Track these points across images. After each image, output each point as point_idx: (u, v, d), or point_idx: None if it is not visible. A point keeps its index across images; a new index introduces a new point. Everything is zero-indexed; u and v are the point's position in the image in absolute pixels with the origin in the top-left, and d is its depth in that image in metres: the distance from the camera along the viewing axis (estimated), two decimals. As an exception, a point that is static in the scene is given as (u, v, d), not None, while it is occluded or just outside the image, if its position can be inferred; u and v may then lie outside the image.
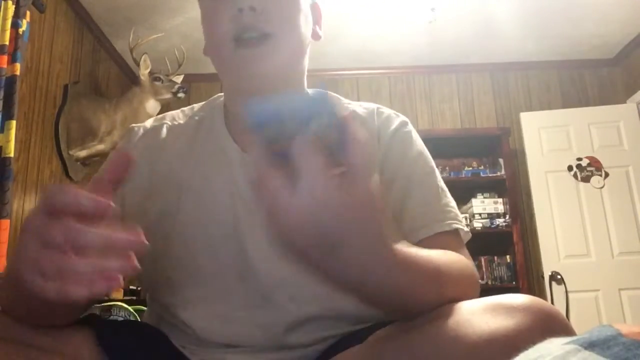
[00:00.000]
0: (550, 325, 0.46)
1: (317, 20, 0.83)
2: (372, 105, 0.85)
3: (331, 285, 0.49)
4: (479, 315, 0.49)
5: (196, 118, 0.85)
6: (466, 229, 0.76)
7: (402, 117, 0.84)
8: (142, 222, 0.73)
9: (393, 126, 0.81)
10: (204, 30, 0.78)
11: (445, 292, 0.56)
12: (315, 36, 0.83)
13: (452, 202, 0.78)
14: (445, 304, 0.54)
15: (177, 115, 0.86)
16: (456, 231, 0.74)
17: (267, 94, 0.74)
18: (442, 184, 0.79)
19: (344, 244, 0.44)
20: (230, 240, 0.72)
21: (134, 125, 0.86)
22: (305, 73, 0.83)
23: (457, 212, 0.77)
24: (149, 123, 0.86)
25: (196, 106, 0.88)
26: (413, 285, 0.52)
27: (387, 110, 0.85)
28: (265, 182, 0.44)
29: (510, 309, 0.48)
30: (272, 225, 0.45)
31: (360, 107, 0.85)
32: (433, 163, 0.81)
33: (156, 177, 0.78)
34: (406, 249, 0.51)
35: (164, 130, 0.83)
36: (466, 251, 0.73)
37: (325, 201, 0.43)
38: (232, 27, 0.72)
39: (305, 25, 0.78)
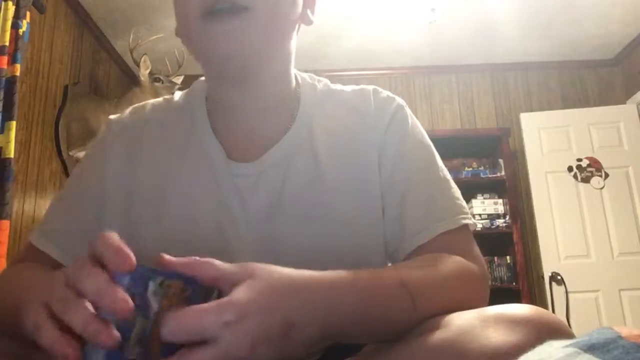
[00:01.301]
0: (555, 339, 0.43)
1: (309, 3, 0.73)
2: (368, 87, 0.79)
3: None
4: (480, 329, 0.46)
5: (177, 108, 0.78)
6: (470, 220, 0.71)
7: (399, 101, 0.78)
8: (124, 224, 0.70)
9: (389, 112, 0.75)
10: (174, 5, 0.68)
11: (426, 304, 0.53)
12: (306, 20, 0.73)
13: (456, 192, 0.73)
14: (433, 315, 0.52)
15: (159, 105, 0.80)
16: (462, 227, 0.69)
17: (247, 79, 0.70)
18: (443, 173, 0.74)
19: (291, 327, 0.43)
20: (216, 255, 0.68)
21: (112, 117, 0.79)
22: (292, 59, 0.75)
23: (462, 203, 0.72)
24: (127, 114, 0.79)
25: (178, 95, 0.81)
26: (368, 300, 0.50)
27: (383, 93, 0.78)
28: None
29: (512, 323, 0.46)
30: None
31: (354, 92, 0.79)
32: (433, 148, 0.76)
33: (136, 178, 0.73)
34: (338, 271, 0.50)
35: (143, 123, 0.77)
36: (473, 247, 0.69)
37: (237, 332, 0.41)
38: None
39: (294, 3, 0.68)
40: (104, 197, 0.72)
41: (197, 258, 0.44)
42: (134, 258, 0.40)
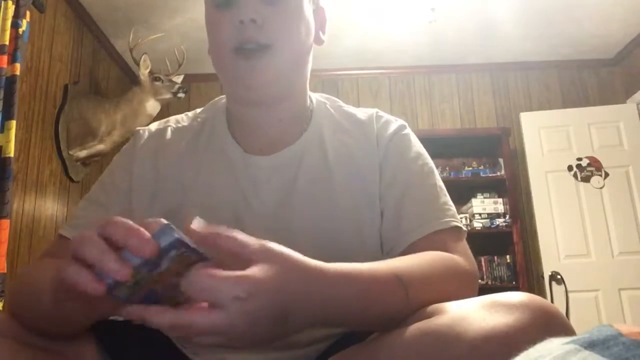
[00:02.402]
0: (549, 323, 0.46)
1: (321, 25, 0.84)
2: (371, 110, 0.87)
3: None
4: (477, 312, 0.48)
5: (199, 120, 0.87)
6: (461, 225, 0.77)
7: (400, 121, 0.86)
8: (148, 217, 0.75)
9: (391, 130, 0.83)
10: (208, 34, 0.79)
11: (417, 294, 0.56)
12: (318, 41, 0.84)
13: (449, 202, 0.79)
14: (423, 306, 0.54)
15: (181, 118, 0.89)
16: (454, 229, 0.74)
17: (268, 104, 0.78)
18: (440, 183, 0.80)
19: (289, 313, 0.47)
20: None
21: (139, 128, 0.88)
22: (308, 79, 0.84)
23: (454, 210, 0.78)
24: (154, 126, 0.88)
25: (199, 109, 0.90)
26: (366, 295, 0.53)
27: (385, 115, 0.86)
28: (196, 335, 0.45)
29: (508, 306, 0.47)
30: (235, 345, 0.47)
31: (360, 111, 0.87)
32: (432, 164, 0.83)
33: (161, 178, 0.80)
34: (342, 266, 0.53)
35: (168, 132, 0.86)
36: (464, 248, 0.73)
37: (248, 299, 0.44)
38: (233, 38, 0.73)
39: (307, 34, 0.79)
40: (130, 199, 0.79)
41: (221, 232, 0.48)
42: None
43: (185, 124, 0.87)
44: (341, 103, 0.89)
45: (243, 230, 0.71)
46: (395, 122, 0.85)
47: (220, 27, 0.75)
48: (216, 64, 0.79)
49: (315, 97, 0.88)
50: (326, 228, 0.74)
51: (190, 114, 0.90)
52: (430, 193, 0.78)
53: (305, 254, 0.52)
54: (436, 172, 0.82)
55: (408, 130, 0.85)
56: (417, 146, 0.83)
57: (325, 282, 0.50)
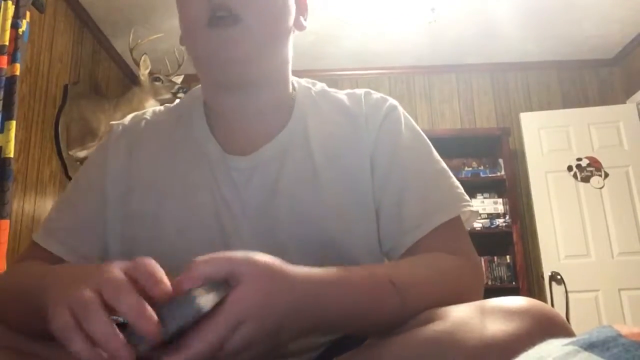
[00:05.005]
0: (551, 329, 0.45)
1: (302, 10, 0.78)
2: (360, 91, 0.81)
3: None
4: (476, 319, 0.47)
5: (175, 112, 0.82)
6: (472, 208, 0.72)
7: (391, 101, 0.80)
8: (125, 220, 0.73)
9: (381, 113, 0.77)
10: (179, 16, 0.74)
11: (414, 301, 0.55)
12: (299, 26, 0.78)
13: (455, 182, 0.74)
14: (423, 310, 0.53)
15: (159, 110, 0.84)
16: (459, 221, 0.70)
17: (245, 85, 0.73)
18: (440, 165, 0.75)
19: (281, 325, 0.47)
20: (215, 247, 0.69)
21: (113, 122, 0.83)
22: (290, 64, 0.78)
23: (460, 191, 0.73)
24: (128, 119, 0.83)
25: (177, 102, 0.86)
26: (357, 299, 0.52)
27: (375, 95, 0.80)
28: None
29: (508, 313, 0.47)
30: None
31: (347, 96, 0.81)
32: (427, 144, 0.78)
33: (135, 175, 0.76)
34: (329, 270, 0.52)
35: (143, 125, 0.81)
36: (465, 243, 0.70)
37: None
38: (204, 8, 0.68)
39: (285, 11, 0.73)
40: (105, 194, 0.75)
41: (195, 264, 0.47)
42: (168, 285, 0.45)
43: (162, 116, 0.82)
44: (327, 88, 0.83)
45: (226, 237, 0.69)
46: (385, 103, 0.78)
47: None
48: (188, 43, 0.74)
49: (298, 82, 0.81)
50: (313, 230, 0.69)
51: (168, 104, 0.85)
52: (432, 181, 0.73)
53: (292, 260, 0.50)
54: (434, 152, 0.77)
55: (399, 111, 0.79)
56: (410, 128, 0.78)
57: (311, 287, 0.49)
